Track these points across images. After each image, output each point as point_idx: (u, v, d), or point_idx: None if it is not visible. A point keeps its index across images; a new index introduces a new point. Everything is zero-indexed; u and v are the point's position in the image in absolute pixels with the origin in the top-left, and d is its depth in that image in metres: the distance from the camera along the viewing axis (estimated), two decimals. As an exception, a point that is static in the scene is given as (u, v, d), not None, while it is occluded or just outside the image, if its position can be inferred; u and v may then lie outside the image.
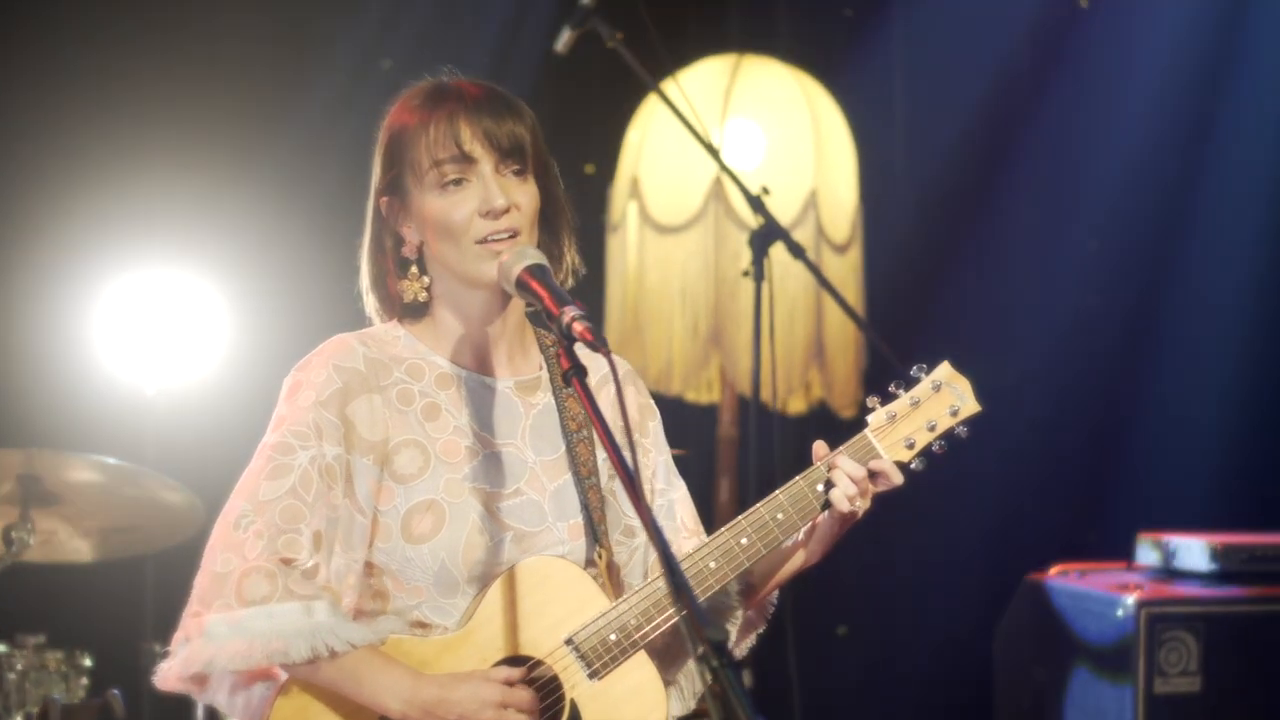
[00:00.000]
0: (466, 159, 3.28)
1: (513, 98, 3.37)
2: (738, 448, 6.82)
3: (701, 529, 3.58)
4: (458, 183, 3.29)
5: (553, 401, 3.43)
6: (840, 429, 6.90)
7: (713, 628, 2.57)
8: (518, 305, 3.40)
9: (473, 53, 6.94)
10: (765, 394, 5.92)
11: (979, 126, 7.48)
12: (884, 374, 3.58)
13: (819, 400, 6.71)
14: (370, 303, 3.45)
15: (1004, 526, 7.31)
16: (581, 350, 3.10)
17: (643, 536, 3.42)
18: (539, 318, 3.31)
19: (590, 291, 6.43)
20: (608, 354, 3.02)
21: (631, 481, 2.83)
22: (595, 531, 3.35)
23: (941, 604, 7.44)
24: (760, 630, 3.67)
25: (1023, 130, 7.49)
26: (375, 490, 3.27)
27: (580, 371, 3.02)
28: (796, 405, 6.69)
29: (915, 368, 3.53)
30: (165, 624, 3.36)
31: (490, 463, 3.32)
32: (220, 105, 6.71)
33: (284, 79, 6.86)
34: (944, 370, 3.55)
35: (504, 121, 3.30)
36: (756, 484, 5.61)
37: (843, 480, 3.41)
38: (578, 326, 3.04)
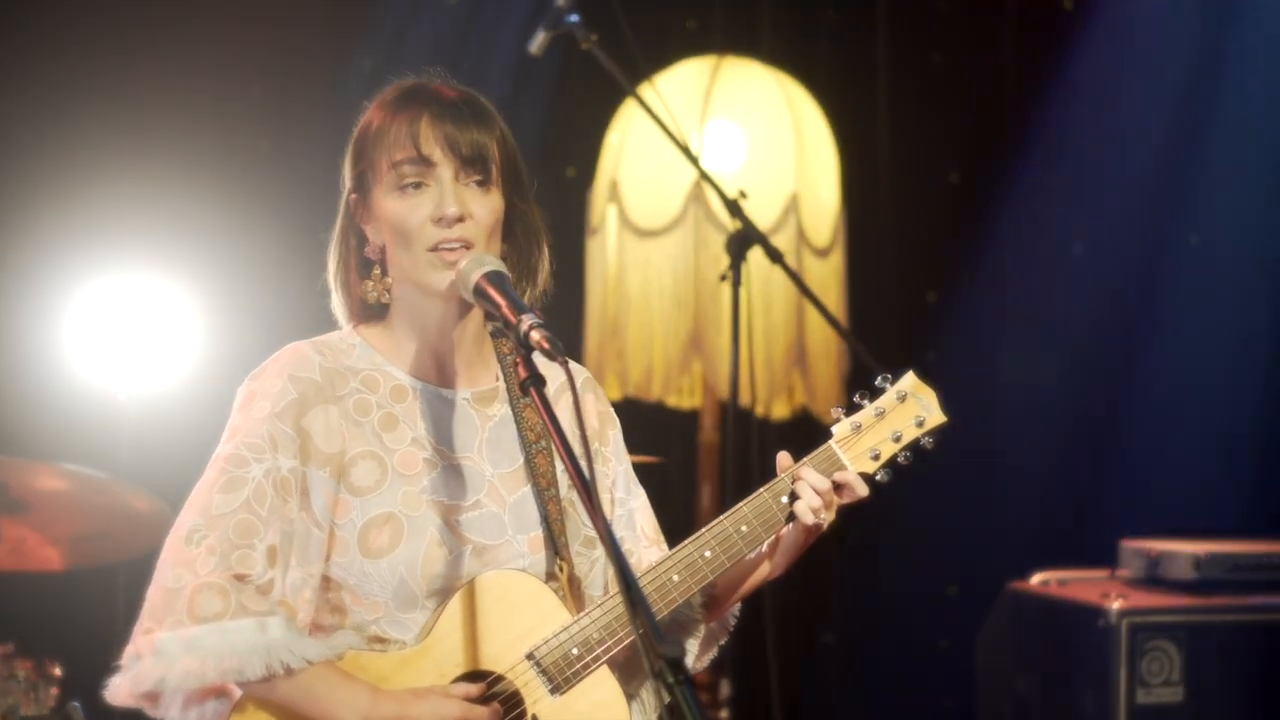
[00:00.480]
0: (424, 162, 3.25)
1: (485, 106, 3.34)
2: (719, 453, 6.81)
3: (662, 538, 3.55)
4: (416, 186, 3.25)
5: (510, 412, 3.40)
6: (823, 435, 6.97)
7: (669, 643, 2.57)
8: (476, 315, 3.36)
9: (451, 53, 6.91)
10: (745, 399, 5.92)
11: (963, 127, 7.49)
12: (867, 379, 3.56)
13: (802, 406, 6.68)
14: (335, 299, 3.42)
15: (986, 533, 7.28)
16: (540, 359, 3.07)
17: (602, 548, 3.40)
18: (498, 328, 3.31)
19: (570, 295, 6.47)
20: (565, 363, 3.01)
21: (588, 493, 2.82)
22: (556, 544, 3.33)
23: (924, 611, 7.43)
24: (722, 642, 3.65)
25: (1009, 129, 7.48)
26: (332, 503, 3.23)
27: (538, 381, 3.01)
28: (780, 410, 6.65)
29: (880, 377, 3.51)
30: (138, 630, 3.31)
31: (449, 475, 3.29)
32: (190, 105, 6.69)
33: (257, 78, 6.85)
34: (909, 380, 3.53)
35: (467, 129, 3.26)
36: (736, 490, 5.47)
37: (807, 492, 3.39)
38: (535, 335, 3.02)
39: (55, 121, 6.53)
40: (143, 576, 3.23)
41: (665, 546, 3.47)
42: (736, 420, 5.74)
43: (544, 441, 3.37)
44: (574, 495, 3.39)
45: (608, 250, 6.68)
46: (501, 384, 3.41)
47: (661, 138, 5.78)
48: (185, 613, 3.09)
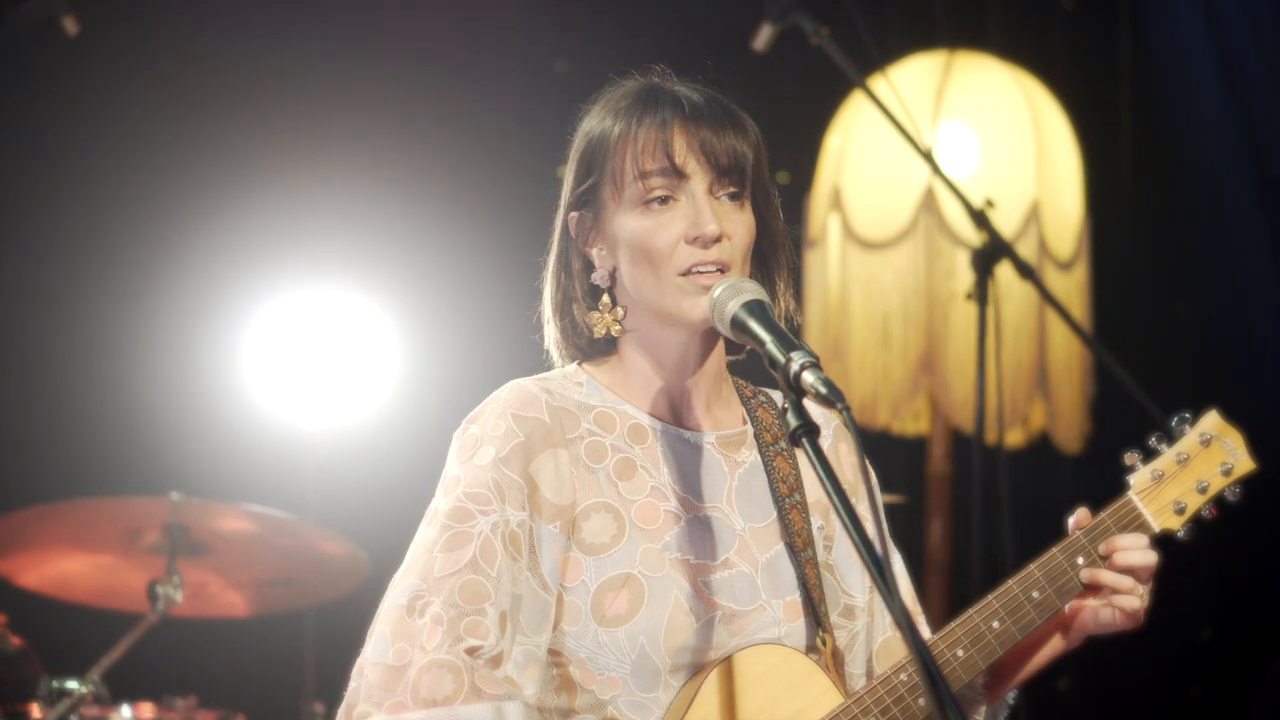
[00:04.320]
0: (678, 174, 3.03)
1: (738, 110, 3.13)
2: (951, 485, 6.64)
3: (920, 610, 3.33)
4: (664, 201, 3.03)
5: (759, 460, 3.18)
6: (1065, 465, 6.61)
7: None
8: (720, 350, 3.16)
9: (651, 51, 6.61)
10: (985, 425, 5.75)
11: (1214, 129, 7.17)
12: (1114, 406, 3.49)
13: (1040, 432, 6.51)
14: (551, 333, 3.21)
15: (1245, 567, 6.88)
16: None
17: (864, 619, 3.20)
18: (745, 364, 3.18)
19: None
20: (845, 410, 2.73)
21: (880, 571, 2.61)
22: (816, 612, 3.11)
23: (1181, 656, 7.07)
24: None
25: (1260, 131, 7.13)
26: (561, 563, 3.02)
27: (811, 431, 2.76)
28: (1014, 438, 6.46)
29: (1177, 418, 3.30)
30: (326, 682, 3.51)
31: (695, 529, 3.07)
32: (389, 104, 6.61)
33: (456, 80, 6.75)
34: (1212, 420, 3.31)
35: (725, 134, 3.05)
36: (980, 527, 5.52)
37: (1118, 578, 3.19)
38: (808, 377, 2.78)
39: (234, 120, 6.45)
40: (332, 623, 3.15)
41: (923, 619, 3.26)
42: (980, 450, 5.61)
43: (798, 495, 3.16)
44: (832, 558, 3.19)
45: (829, 264, 6.49)
46: (749, 427, 3.19)
47: (889, 140, 5.73)
48: (409, 694, 2.86)
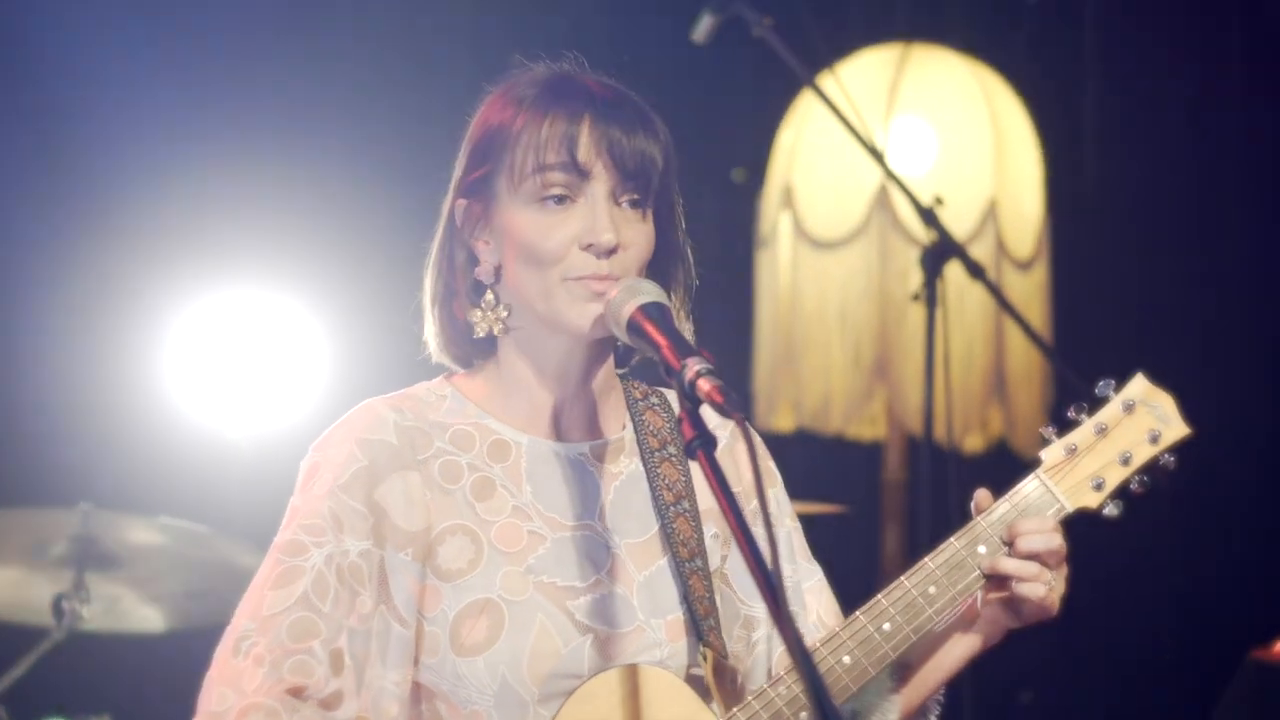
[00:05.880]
0: (580, 172, 2.89)
1: (651, 111, 3.01)
2: (906, 492, 6.55)
3: (842, 621, 3.12)
4: (560, 200, 2.90)
5: (641, 468, 3.04)
6: (1024, 471, 6.50)
7: None
8: (609, 361, 3.04)
9: (588, 41, 6.50)
10: (939, 431, 5.75)
11: (1181, 125, 7.11)
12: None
13: (998, 438, 6.42)
14: (429, 326, 3.08)
15: (1220, 588, 6.83)
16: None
17: (765, 629, 3.06)
18: (628, 370, 3.07)
19: (738, 314, 6.43)
20: (742, 421, 2.62)
21: (773, 594, 2.47)
22: (700, 628, 2.96)
23: (1140, 675, 7.00)
24: None
25: (1230, 128, 7.07)
26: (418, 592, 2.88)
27: (708, 442, 2.62)
28: (973, 444, 6.39)
29: (1100, 383, 3.10)
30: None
31: (562, 550, 2.95)
32: (316, 95, 6.44)
33: (390, 70, 6.61)
34: (1139, 386, 3.09)
35: (635, 136, 2.92)
36: (931, 535, 5.25)
37: (1021, 565, 2.97)
38: (704, 384, 2.65)
39: (149, 108, 6.26)
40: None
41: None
42: (930, 456, 5.61)
43: (686, 503, 3.03)
44: (727, 567, 3.07)
45: (780, 263, 6.41)
46: (628, 433, 3.05)
47: (842, 137, 5.66)
48: None
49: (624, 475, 3.03)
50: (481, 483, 2.93)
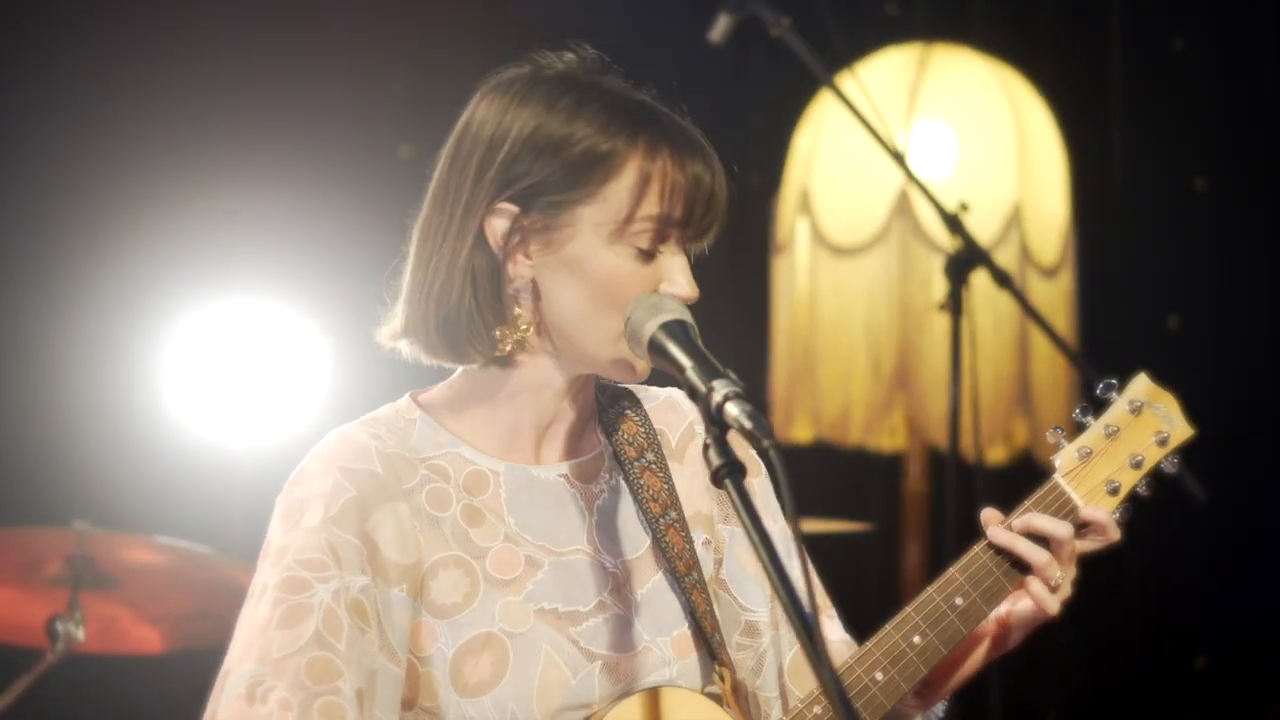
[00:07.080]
0: (677, 225, 2.75)
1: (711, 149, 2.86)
2: (928, 505, 6.58)
3: (831, 607, 3.10)
4: (649, 254, 2.76)
5: (622, 484, 2.91)
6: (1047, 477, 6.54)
7: None
8: (593, 380, 2.89)
9: (602, 39, 6.46)
10: (963, 442, 5.68)
11: (1210, 125, 7.12)
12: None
13: (1023, 449, 6.44)
14: (408, 315, 2.85)
15: (1241, 592, 6.89)
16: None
17: (769, 633, 2.97)
18: (614, 390, 2.94)
19: (754, 322, 6.46)
20: (772, 448, 2.46)
21: (807, 629, 2.37)
22: (710, 643, 2.86)
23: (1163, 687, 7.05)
24: None
25: (1264, 127, 7.08)
26: (411, 630, 2.74)
27: (736, 471, 2.50)
28: (996, 455, 6.41)
29: (1102, 385, 3.04)
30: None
31: (560, 574, 2.81)
32: (314, 104, 6.42)
33: (391, 79, 6.62)
34: (1142, 385, 3.04)
35: (719, 187, 2.78)
36: (953, 549, 5.31)
37: (1033, 550, 2.88)
38: (733, 409, 2.52)
39: (146, 115, 6.23)
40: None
41: (834, 616, 3.05)
42: (954, 468, 5.58)
43: (673, 512, 2.90)
44: (724, 573, 2.96)
45: (798, 271, 6.40)
46: (605, 449, 2.91)
47: (861, 141, 5.63)
48: None
49: (605, 494, 2.92)
50: (469, 510, 2.80)
